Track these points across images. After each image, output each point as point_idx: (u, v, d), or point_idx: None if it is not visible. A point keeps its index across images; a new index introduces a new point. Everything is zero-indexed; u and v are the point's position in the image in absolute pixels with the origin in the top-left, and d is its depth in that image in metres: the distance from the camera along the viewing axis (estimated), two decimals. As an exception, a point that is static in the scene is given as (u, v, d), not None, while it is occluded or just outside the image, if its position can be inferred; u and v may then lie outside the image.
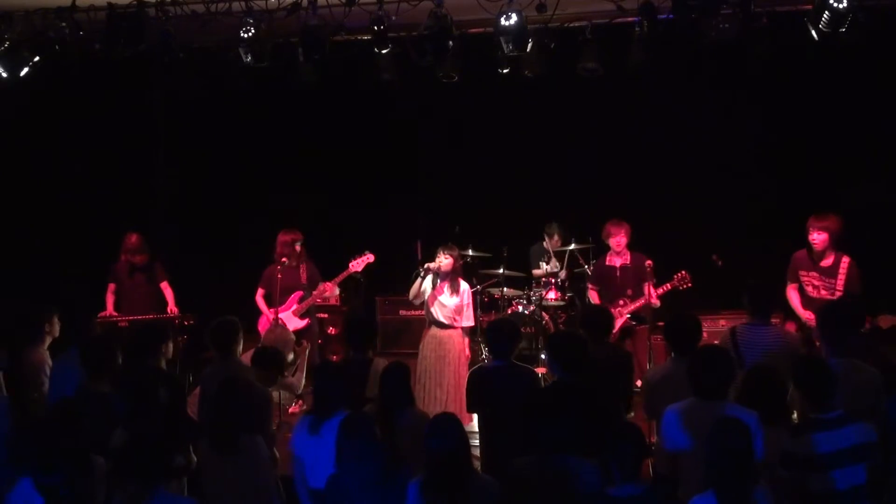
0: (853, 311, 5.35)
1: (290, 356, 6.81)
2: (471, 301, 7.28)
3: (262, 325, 7.89)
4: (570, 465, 4.04)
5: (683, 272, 7.63)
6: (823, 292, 6.69)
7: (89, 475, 4.14)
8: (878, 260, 8.19)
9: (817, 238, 6.70)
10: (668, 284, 7.65)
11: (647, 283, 7.45)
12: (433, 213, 9.82)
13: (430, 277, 7.16)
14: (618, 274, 7.81)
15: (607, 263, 7.95)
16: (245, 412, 4.60)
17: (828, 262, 6.72)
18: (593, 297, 8.04)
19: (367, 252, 7.99)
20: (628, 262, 7.81)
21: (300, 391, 7.15)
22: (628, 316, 7.79)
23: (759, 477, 3.84)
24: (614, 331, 7.43)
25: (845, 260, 6.66)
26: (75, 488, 3.85)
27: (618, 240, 7.78)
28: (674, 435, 4.39)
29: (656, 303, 7.51)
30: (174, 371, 6.24)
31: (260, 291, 7.99)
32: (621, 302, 7.76)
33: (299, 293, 7.96)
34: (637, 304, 7.68)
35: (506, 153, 9.83)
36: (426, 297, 7.16)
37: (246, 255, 9.18)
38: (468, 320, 7.20)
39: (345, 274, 8.00)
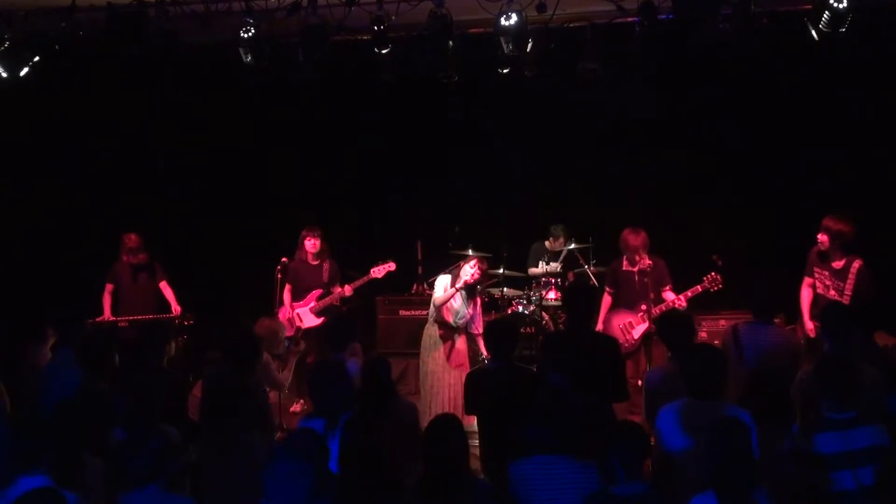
0: (855, 310, 5.36)
1: (280, 348, 6.80)
2: (480, 310, 7.37)
3: (282, 317, 7.97)
4: (568, 465, 4.04)
5: (714, 273, 7.34)
6: (832, 292, 6.69)
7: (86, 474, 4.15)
8: (876, 261, 8.20)
9: (820, 238, 6.74)
10: (699, 287, 7.37)
11: (667, 287, 7.42)
12: (433, 213, 9.82)
13: (447, 282, 7.16)
14: (636, 279, 7.43)
15: (624, 268, 7.61)
16: (241, 411, 4.59)
17: (839, 263, 6.70)
18: (606, 302, 7.73)
19: (389, 260, 8.04)
20: (647, 268, 7.40)
21: (286, 389, 7.14)
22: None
23: (759, 477, 3.83)
24: (637, 337, 7.35)
25: (856, 263, 6.63)
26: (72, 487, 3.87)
27: (641, 256, 7.38)
28: (670, 435, 4.38)
29: (683, 304, 7.34)
30: (174, 371, 6.22)
31: (287, 287, 8.06)
32: (643, 307, 7.41)
33: (318, 291, 8.06)
34: (662, 309, 7.34)
35: (506, 153, 9.83)
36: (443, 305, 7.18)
37: (245, 256, 9.19)
38: (475, 329, 7.27)
39: (365, 279, 8.08)
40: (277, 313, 8.00)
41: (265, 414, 5.43)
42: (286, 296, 8.06)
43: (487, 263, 7.30)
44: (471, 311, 7.16)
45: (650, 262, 7.39)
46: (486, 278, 7.31)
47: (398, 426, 4.70)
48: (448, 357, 7.10)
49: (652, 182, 9.38)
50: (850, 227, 6.67)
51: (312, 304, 8.04)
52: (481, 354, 8.33)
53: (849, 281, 6.60)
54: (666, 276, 7.50)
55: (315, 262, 8.08)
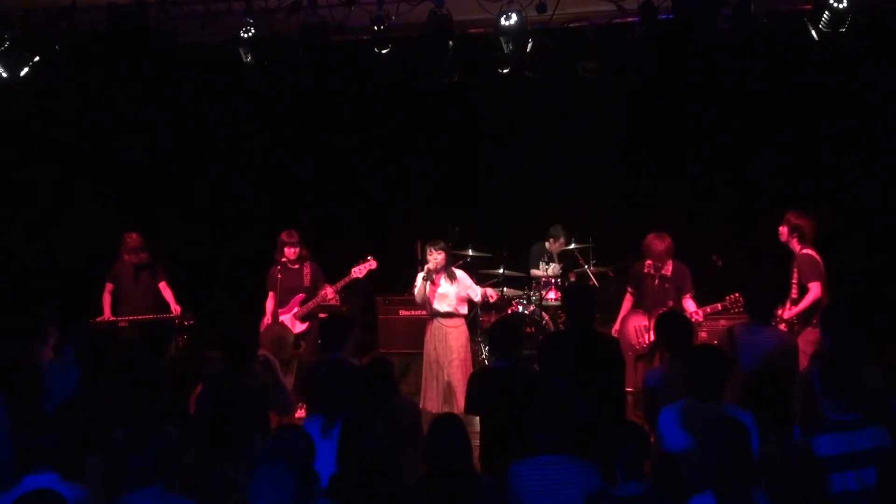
0: (857, 310, 5.34)
1: (288, 354, 6.78)
2: (471, 281, 7.43)
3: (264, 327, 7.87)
4: (570, 465, 4.05)
5: (736, 294, 7.02)
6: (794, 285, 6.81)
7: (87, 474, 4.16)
8: (876, 261, 8.21)
9: (779, 229, 6.90)
10: (719, 305, 7.17)
11: (688, 295, 7.24)
12: (433, 213, 9.82)
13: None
14: (656, 283, 7.21)
15: (646, 271, 7.28)
16: (242, 411, 4.58)
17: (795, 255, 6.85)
18: (627, 302, 7.58)
19: (369, 258, 7.96)
20: (669, 273, 7.25)
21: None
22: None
23: (759, 477, 3.84)
24: (648, 343, 7.19)
25: (803, 251, 6.74)
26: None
27: (663, 262, 7.20)
28: (671, 435, 4.39)
29: (699, 319, 7.15)
30: (174, 371, 6.21)
31: (270, 295, 7.91)
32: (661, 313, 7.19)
33: (301, 296, 7.93)
34: None
35: (506, 153, 9.83)
36: (427, 299, 7.21)
37: (245, 256, 9.18)
38: (476, 295, 7.37)
39: (347, 280, 7.95)
40: (268, 317, 7.95)
41: (265, 414, 5.42)
42: (269, 303, 7.89)
43: (441, 243, 7.28)
44: (457, 288, 7.20)
45: (672, 267, 7.29)
46: (451, 257, 7.33)
47: (399, 426, 4.70)
48: (445, 344, 7.13)
49: (652, 182, 9.38)
50: (809, 222, 6.79)
51: (296, 309, 7.92)
52: (482, 353, 8.37)
53: (794, 271, 6.70)
54: (688, 284, 7.31)
55: (295, 266, 7.93)
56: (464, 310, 7.31)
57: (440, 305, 7.19)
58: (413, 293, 7.52)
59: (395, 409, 4.86)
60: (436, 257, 7.18)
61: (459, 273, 7.36)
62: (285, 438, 4.08)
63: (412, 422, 4.95)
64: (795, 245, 6.85)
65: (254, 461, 4.44)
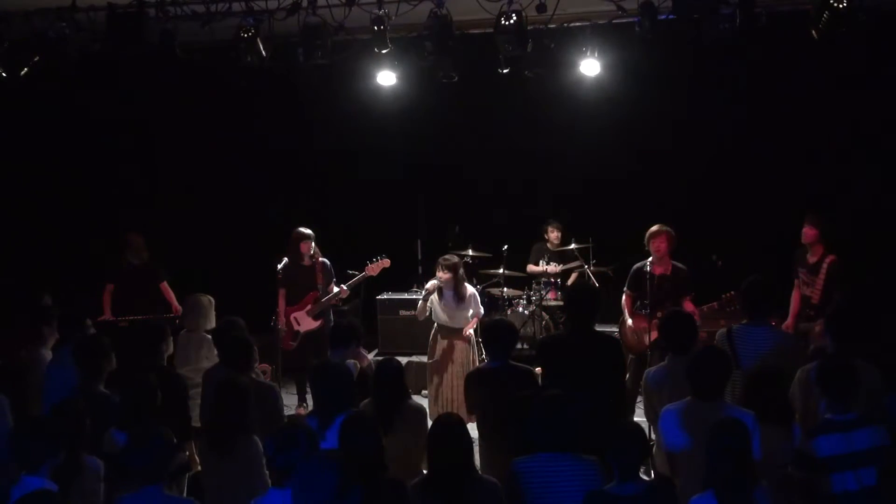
0: (857, 310, 5.35)
1: (209, 324, 6.73)
2: (478, 301, 7.35)
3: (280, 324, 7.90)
4: (569, 464, 4.05)
5: (732, 293, 6.97)
6: (808, 289, 6.75)
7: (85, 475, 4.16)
8: (877, 260, 8.21)
9: (805, 233, 6.82)
10: (715, 304, 7.12)
11: (688, 298, 7.09)
12: (433, 213, 9.82)
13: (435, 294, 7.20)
14: (655, 283, 7.08)
15: (645, 271, 7.13)
16: (242, 412, 4.58)
17: (814, 258, 6.80)
18: (627, 303, 7.42)
19: (383, 256, 7.98)
20: (668, 273, 7.15)
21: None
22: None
23: (759, 477, 3.84)
24: (646, 345, 7.13)
25: (829, 259, 6.70)
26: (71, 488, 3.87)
27: (657, 245, 7.12)
28: (672, 435, 4.40)
29: (696, 319, 6.73)
30: (173, 370, 6.22)
31: (281, 292, 7.93)
32: (659, 314, 6.92)
33: (315, 293, 7.95)
34: None
35: (506, 153, 9.83)
36: (433, 309, 7.21)
37: (246, 256, 9.19)
38: (477, 314, 7.29)
39: (361, 278, 7.99)
40: (279, 315, 7.95)
41: (265, 415, 5.41)
42: (280, 301, 7.91)
43: (453, 259, 7.20)
44: (464, 309, 7.18)
45: (671, 268, 7.19)
46: (457, 272, 7.23)
47: (405, 429, 4.69)
48: (449, 357, 7.13)
49: (652, 181, 9.38)
50: (832, 222, 6.78)
51: (309, 306, 7.94)
52: (482, 354, 8.36)
53: (820, 275, 6.68)
54: (687, 287, 7.18)
55: (308, 264, 7.95)
56: (471, 326, 7.25)
57: (445, 320, 7.18)
58: (413, 290, 7.52)
59: (403, 412, 4.84)
60: (440, 276, 7.11)
61: (471, 292, 7.27)
62: (289, 430, 4.06)
63: (419, 427, 4.91)
64: (820, 249, 6.74)
65: (253, 461, 4.45)
